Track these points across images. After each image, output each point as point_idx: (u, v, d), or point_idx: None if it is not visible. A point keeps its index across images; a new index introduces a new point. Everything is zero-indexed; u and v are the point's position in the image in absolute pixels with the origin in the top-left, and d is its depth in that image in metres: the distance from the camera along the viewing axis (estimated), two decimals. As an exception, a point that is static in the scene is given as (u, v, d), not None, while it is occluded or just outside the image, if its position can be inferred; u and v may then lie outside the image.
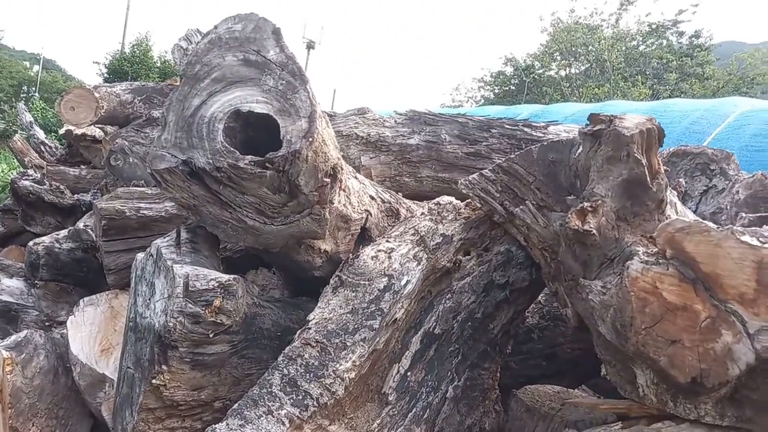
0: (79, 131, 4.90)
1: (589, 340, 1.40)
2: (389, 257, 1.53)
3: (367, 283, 1.48)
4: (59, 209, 3.83)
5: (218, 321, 1.38)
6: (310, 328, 1.43)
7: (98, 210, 2.07)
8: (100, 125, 4.06)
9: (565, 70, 22.80)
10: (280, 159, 1.36)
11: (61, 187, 3.74)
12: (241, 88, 1.44)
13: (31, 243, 2.95)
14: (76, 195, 4.09)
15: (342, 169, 1.54)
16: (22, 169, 5.42)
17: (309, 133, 1.38)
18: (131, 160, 3.35)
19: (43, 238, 2.98)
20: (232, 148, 1.37)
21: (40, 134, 6.64)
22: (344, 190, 1.62)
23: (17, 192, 3.62)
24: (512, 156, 1.55)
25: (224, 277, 1.38)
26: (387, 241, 1.59)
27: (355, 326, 1.41)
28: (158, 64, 30.64)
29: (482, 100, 26.87)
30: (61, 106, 3.40)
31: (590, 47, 20.87)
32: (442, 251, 1.59)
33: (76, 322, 2.01)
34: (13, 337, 1.94)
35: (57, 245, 3.01)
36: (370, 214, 1.72)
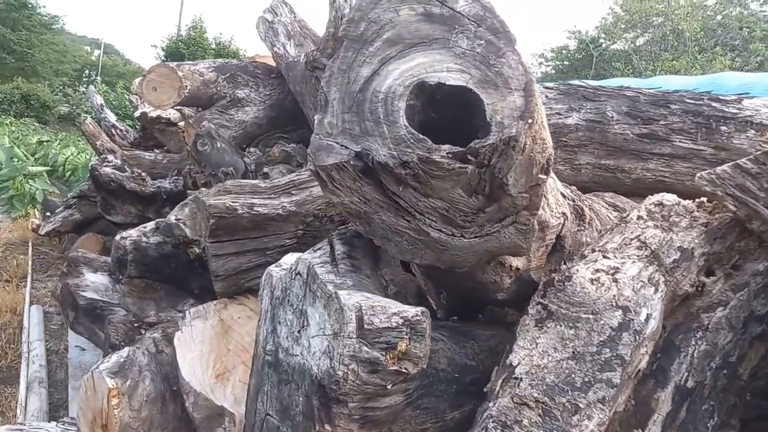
0: (154, 114, 4.67)
1: None
2: (615, 280, 1.13)
3: (591, 317, 1.09)
4: (140, 197, 3.59)
5: (402, 370, 1.02)
6: (519, 379, 1.06)
7: (206, 206, 1.75)
8: (178, 107, 3.78)
9: (634, 42, 21.46)
10: (488, 149, 0.97)
11: (143, 174, 3.50)
12: (424, 53, 1.06)
13: (117, 237, 2.69)
14: (155, 181, 3.85)
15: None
16: (100, 155, 5.27)
17: (527, 112, 0.98)
18: (219, 144, 3.04)
19: (130, 231, 2.72)
20: (421, 136, 0.99)
21: (111, 117, 6.50)
22: (542, 188, 1.22)
23: (98, 180, 3.39)
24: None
25: (409, 311, 1.02)
26: (604, 257, 1.19)
27: (586, 379, 1.03)
28: (213, 46, 30.92)
29: (543, 77, 25.75)
30: (143, 86, 3.13)
31: (666, 17, 19.50)
32: (682, 271, 1.18)
33: (184, 340, 1.70)
34: (114, 358, 1.66)
35: (144, 239, 2.74)
36: (566, 217, 1.32)
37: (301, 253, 1.42)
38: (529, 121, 0.98)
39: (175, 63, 3.24)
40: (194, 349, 1.67)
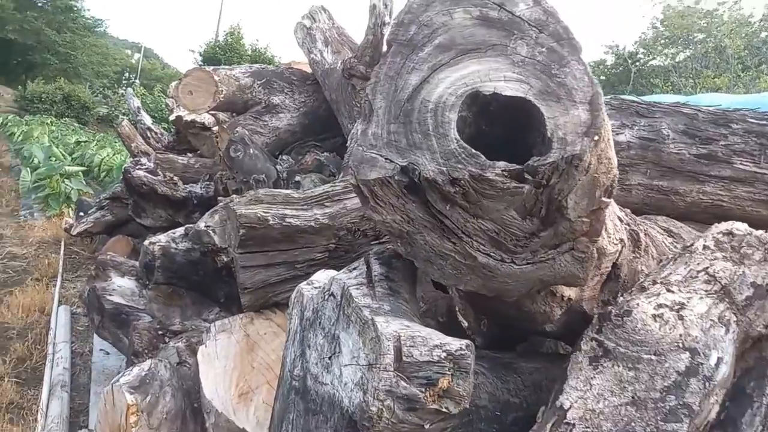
0: (189, 118, 4.67)
1: None
2: (680, 318, 1.02)
3: (654, 358, 0.97)
4: (171, 201, 3.57)
5: (442, 409, 0.92)
6: (571, 425, 0.95)
7: (236, 216, 1.68)
8: (212, 111, 3.76)
9: (674, 58, 20.98)
10: (548, 168, 0.88)
11: (174, 178, 3.47)
12: (479, 60, 0.96)
13: (146, 242, 2.65)
14: (186, 186, 3.83)
15: (614, 183, 1.04)
16: (133, 158, 5.30)
17: (593, 128, 0.89)
18: (252, 151, 3.00)
19: (159, 237, 2.68)
20: (473, 150, 0.90)
21: (147, 120, 6.55)
22: (600, 212, 1.11)
23: (130, 182, 3.38)
24: None
25: (453, 344, 0.92)
26: (667, 290, 1.07)
27: (648, 430, 0.91)
28: (249, 52, 31.37)
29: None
30: (179, 90, 3.11)
31: (709, 33, 19.01)
32: (756, 310, 1.06)
33: (207, 355, 1.63)
34: (135, 371, 1.59)
35: (173, 245, 2.71)
36: (624, 244, 1.20)
37: (334, 271, 1.33)
38: (595, 138, 0.88)
39: (212, 67, 3.22)
40: (218, 366, 1.60)
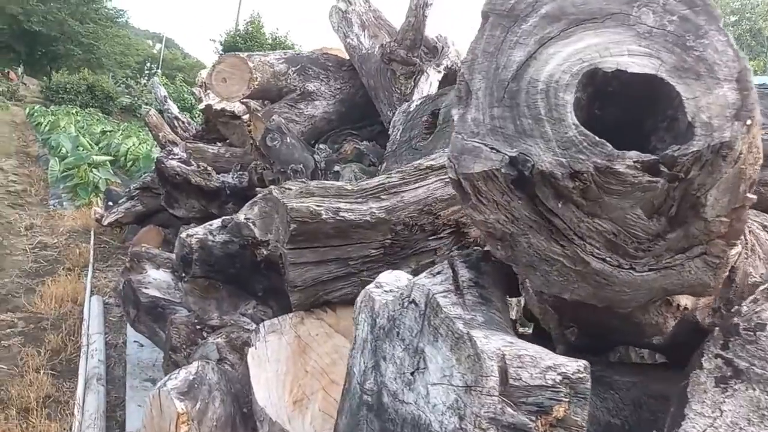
0: (218, 106, 4.58)
1: None
2: (827, 332, 0.87)
3: (802, 381, 0.83)
4: (204, 192, 3.48)
5: (556, 440, 0.79)
6: (704, 458, 0.81)
7: (287, 210, 1.56)
8: (244, 100, 3.65)
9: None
10: (690, 158, 0.73)
11: (208, 168, 3.38)
12: (596, 31, 0.82)
13: (183, 235, 2.56)
14: (219, 176, 3.74)
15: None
16: (162, 148, 5.23)
17: (744, 111, 0.74)
18: (288, 140, 2.88)
19: (196, 229, 2.59)
20: (597, 138, 0.76)
21: (174, 109, 6.48)
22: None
23: (163, 173, 3.29)
24: None
25: (569, 366, 0.79)
26: (804, 299, 0.92)
27: (802, 468, 0.78)
28: (269, 41, 31.34)
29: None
30: (212, 77, 3.00)
31: (742, 16, 18.39)
32: None
33: (258, 357, 1.52)
34: (183, 375, 1.49)
35: (210, 238, 2.61)
36: (746, 241, 1.06)
37: (402, 273, 1.21)
38: (748, 122, 0.73)
39: (246, 54, 3.10)
40: (269, 369, 1.49)
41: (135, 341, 3.50)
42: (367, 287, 1.16)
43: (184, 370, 1.52)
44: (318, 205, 1.57)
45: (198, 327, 2.60)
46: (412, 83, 2.98)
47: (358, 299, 1.17)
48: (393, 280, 1.17)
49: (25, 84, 30.41)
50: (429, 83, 2.98)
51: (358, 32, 3.27)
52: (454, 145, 0.79)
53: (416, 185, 1.63)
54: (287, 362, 1.52)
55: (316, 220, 1.57)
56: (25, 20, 29.87)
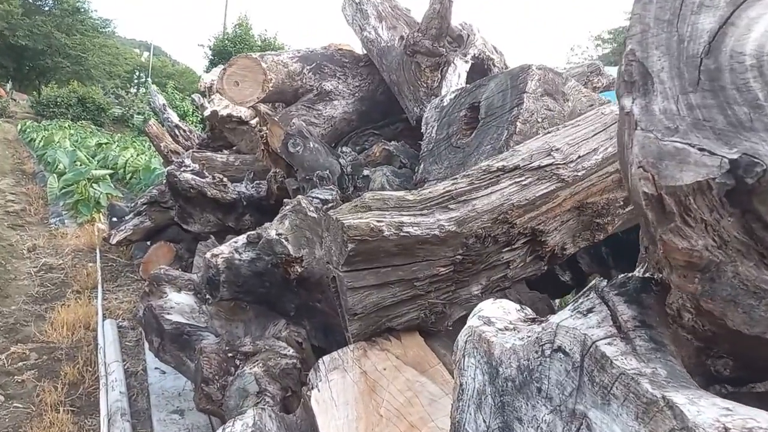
0: (224, 112, 4.36)
1: None
2: None
3: None
4: (220, 204, 3.27)
5: None
6: None
7: (343, 228, 1.35)
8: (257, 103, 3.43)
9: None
10: None
11: (224, 179, 3.16)
12: (813, -13, 0.61)
13: (208, 255, 2.35)
14: (234, 185, 3.52)
15: None
16: (165, 157, 5.02)
17: None
18: (312, 144, 2.67)
19: (221, 248, 2.38)
20: None
21: (174, 117, 6.27)
22: None
23: (176, 186, 3.08)
24: None
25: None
26: None
27: None
28: (258, 43, 31.07)
29: (600, 59, 24.60)
30: (224, 81, 2.78)
31: None
32: None
33: (323, 402, 1.32)
34: (239, 428, 1.28)
35: (237, 256, 2.41)
36: None
37: (509, 302, 1.00)
38: None
39: (258, 53, 2.89)
40: (338, 416, 1.28)
41: (156, 368, 3.30)
42: (471, 324, 0.95)
43: (240, 422, 1.31)
44: (379, 221, 1.36)
45: (230, 355, 2.40)
46: (439, 75, 2.77)
47: (460, 338, 0.96)
48: (502, 313, 0.97)
49: (15, 100, 30.10)
50: (457, 74, 2.77)
51: (375, 24, 3.05)
52: (644, 146, 0.58)
53: (488, 191, 1.42)
54: (357, 405, 1.32)
55: (377, 237, 1.36)
56: (10, 35, 29.53)
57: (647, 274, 0.78)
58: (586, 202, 1.48)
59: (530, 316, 0.95)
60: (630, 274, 0.78)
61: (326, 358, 1.44)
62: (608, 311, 0.75)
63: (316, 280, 2.37)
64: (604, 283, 0.80)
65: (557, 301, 3.49)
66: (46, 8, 32.86)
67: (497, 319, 0.93)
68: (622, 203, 1.53)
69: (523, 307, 1.00)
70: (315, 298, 2.50)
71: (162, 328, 2.59)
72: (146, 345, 3.12)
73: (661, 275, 0.78)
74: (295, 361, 2.31)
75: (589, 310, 0.77)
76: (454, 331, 1.63)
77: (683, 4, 0.64)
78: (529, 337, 0.82)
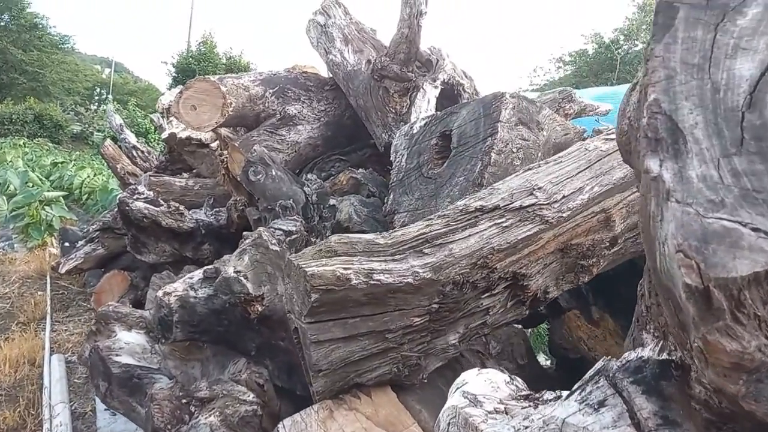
0: (184, 135, 4.18)
1: None
2: None
3: None
4: (176, 234, 3.08)
5: None
6: None
7: (306, 276, 1.21)
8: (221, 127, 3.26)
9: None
10: None
11: (180, 207, 2.98)
12: None
13: (160, 293, 2.17)
14: (191, 212, 3.33)
15: None
16: (121, 180, 4.78)
17: None
18: (274, 172, 2.52)
19: (174, 285, 2.20)
20: None
21: (131, 138, 6.03)
22: None
23: (128, 215, 2.88)
24: None
25: None
26: None
27: None
28: (224, 61, 30.79)
29: (561, 81, 25.14)
30: (180, 105, 2.62)
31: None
32: None
33: (284, 476, 1.16)
34: None
35: (192, 294, 2.24)
36: None
37: (499, 373, 0.88)
38: None
39: (217, 77, 2.74)
40: (302, 493, 1.13)
41: (106, 409, 3.05)
42: (455, 403, 0.82)
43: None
44: (346, 268, 1.22)
45: (184, 401, 2.21)
46: (408, 101, 2.67)
47: (442, 419, 0.83)
48: (490, 390, 0.84)
49: (-33, 117, 28.94)
50: (426, 100, 2.67)
51: (341, 47, 2.94)
52: (684, 225, 0.46)
53: (466, 233, 1.30)
54: (322, 476, 1.17)
55: (344, 286, 1.22)
56: (-36, 51, 28.57)
57: (664, 355, 0.66)
58: (571, 243, 1.38)
59: (522, 392, 0.82)
60: (645, 356, 0.66)
61: (287, 421, 1.29)
62: (624, 405, 0.63)
63: (279, 317, 2.22)
64: (614, 364, 0.68)
65: (530, 330, 3.40)
66: (2, 24, 31.92)
67: (485, 397, 0.80)
68: (608, 244, 1.43)
69: (513, 378, 0.87)
70: (278, 336, 2.34)
71: (109, 371, 2.38)
72: (96, 385, 2.89)
73: (680, 355, 0.66)
74: (255, 407, 2.14)
75: (601, 404, 0.64)
76: (430, 383, 1.50)
77: (715, 46, 0.53)
78: (527, 428, 0.69)
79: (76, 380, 3.63)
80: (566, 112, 2.81)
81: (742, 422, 0.83)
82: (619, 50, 23.14)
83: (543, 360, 3.43)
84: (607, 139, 1.46)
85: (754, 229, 0.45)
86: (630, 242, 1.49)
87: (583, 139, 2.24)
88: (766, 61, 0.52)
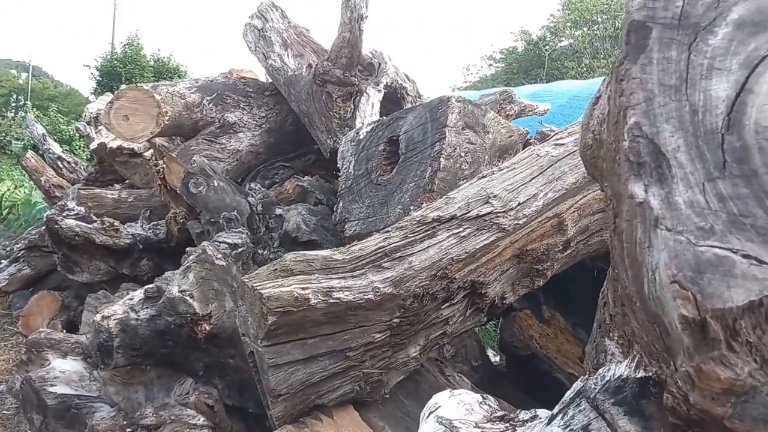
0: (114, 144, 3.97)
1: None
2: None
3: None
4: (111, 251, 2.92)
5: None
6: None
7: (262, 299, 1.15)
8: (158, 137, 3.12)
9: (583, 41, 21.61)
10: None
11: (115, 223, 2.82)
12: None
13: (98, 317, 2.05)
14: (126, 226, 3.16)
15: None
16: (54, 194, 4.50)
17: None
18: (216, 183, 2.42)
19: (113, 308, 2.08)
20: None
21: (56, 148, 5.69)
22: None
23: (57, 234, 2.70)
24: None
25: None
26: None
27: None
28: (152, 63, 29.66)
29: (491, 79, 25.76)
30: (111, 115, 2.47)
31: (610, 13, 19.71)
32: None
33: None
34: None
35: (133, 316, 2.13)
36: None
37: (470, 394, 0.86)
38: None
39: (150, 84, 2.61)
40: None
41: (41, 442, 2.85)
42: (429, 429, 0.80)
43: None
44: (303, 288, 1.18)
45: (128, 430, 2.09)
46: (352, 106, 2.63)
47: (418, 445, 0.80)
48: (464, 413, 0.82)
49: None
50: (371, 104, 2.64)
51: (280, 52, 2.86)
52: (678, 254, 0.45)
53: (424, 244, 1.28)
54: (287, 507, 1.12)
55: (302, 307, 1.18)
56: None
57: (641, 372, 0.66)
58: (526, 249, 1.39)
59: (497, 413, 0.81)
60: (623, 375, 0.66)
61: (247, 451, 1.23)
62: (607, 429, 0.62)
63: (228, 335, 2.14)
64: (594, 385, 0.67)
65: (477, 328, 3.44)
66: None
67: (461, 422, 0.78)
68: (561, 247, 1.45)
69: (485, 397, 0.86)
70: (227, 354, 2.26)
71: (44, 403, 2.22)
72: (28, 417, 2.69)
73: (655, 371, 0.66)
74: (206, 431, 2.06)
75: (585, 428, 0.63)
76: (391, 397, 1.47)
77: (690, 66, 0.52)
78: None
79: (5, 412, 3.38)
80: (507, 113, 2.85)
81: (708, 427, 0.84)
82: (547, 47, 23.92)
83: (492, 356, 3.48)
84: (557, 144, 1.48)
85: (745, 256, 0.44)
86: (581, 245, 1.51)
87: (528, 141, 2.28)
88: (740, 81, 0.52)
